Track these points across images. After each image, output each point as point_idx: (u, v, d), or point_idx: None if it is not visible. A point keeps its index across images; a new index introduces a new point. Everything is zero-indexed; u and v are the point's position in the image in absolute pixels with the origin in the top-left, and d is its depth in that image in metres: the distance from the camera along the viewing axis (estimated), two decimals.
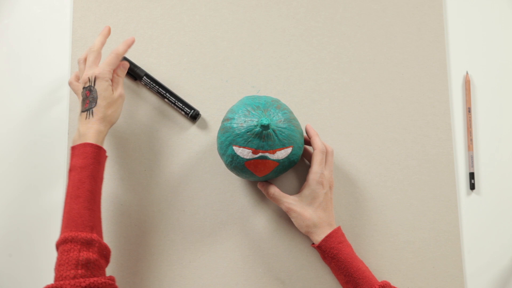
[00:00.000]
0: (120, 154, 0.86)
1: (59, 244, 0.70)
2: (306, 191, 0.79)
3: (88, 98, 0.77)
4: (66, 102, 0.88)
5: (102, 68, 0.78)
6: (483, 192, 0.88)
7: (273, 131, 0.74)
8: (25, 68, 0.89)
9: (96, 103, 0.77)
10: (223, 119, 0.79)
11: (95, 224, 0.72)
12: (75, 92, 0.81)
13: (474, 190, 0.88)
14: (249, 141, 0.75)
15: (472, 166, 0.88)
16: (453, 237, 0.85)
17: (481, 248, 0.86)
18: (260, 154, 0.75)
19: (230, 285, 0.84)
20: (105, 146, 0.86)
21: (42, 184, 0.86)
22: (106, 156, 0.78)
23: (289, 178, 0.86)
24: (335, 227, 0.80)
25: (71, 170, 0.74)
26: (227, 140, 0.76)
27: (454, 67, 0.90)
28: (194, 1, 0.91)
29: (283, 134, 0.75)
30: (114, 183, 0.86)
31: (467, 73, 0.90)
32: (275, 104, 0.78)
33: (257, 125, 0.74)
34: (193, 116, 0.86)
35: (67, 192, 0.73)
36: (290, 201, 0.80)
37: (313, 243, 0.80)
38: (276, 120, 0.75)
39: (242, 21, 0.90)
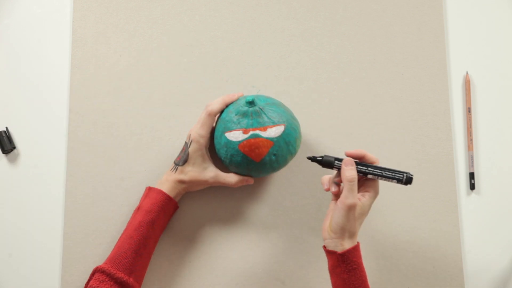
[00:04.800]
0: (120, 155, 0.86)
1: (97, 270, 0.74)
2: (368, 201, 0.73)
3: (182, 153, 0.80)
4: (66, 102, 0.88)
5: (196, 132, 0.79)
6: (483, 192, 0.88)
7: (261, 109, 0.76)
8: (25, 68, 0.89)
9: (183, 163, 0.79)
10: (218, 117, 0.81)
11: (136, 269, 0.75)
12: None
13: (474, 190, 0.88)
14: (238, 123, 0.76)
15: (472, 166, 0.88)
16: (453, 237, 0.85)
17: (481, 248, 0.86)
18: (250, 132, 0.75)
19: (230, 285, 0.84)
20: (100, 137, 0.86)
21: (42, 183, 0.86)
22: (177, 207, 0.81)
23: (289, 178, 0.86)
24: (356, 242, 0.73)
25: (138, 208, 0.77)
26: (220, 130, 0.77)
27: (454, 67, 0.90)
28: (194, 1, 0.91)
29: (271, 112, 0.77)
30: (114, 183, 0.86)
31: (467, 73, 0.90)
32: (269, 101, 0.78)
33: (244, 105, 0.76)
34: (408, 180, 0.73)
35: (126, 228, 0.77)
36: (358, 197, 0.72)
37: (332, 249, 0.71)
38: (264, 102, 0.77)
39: (242, 21, 0.90)
